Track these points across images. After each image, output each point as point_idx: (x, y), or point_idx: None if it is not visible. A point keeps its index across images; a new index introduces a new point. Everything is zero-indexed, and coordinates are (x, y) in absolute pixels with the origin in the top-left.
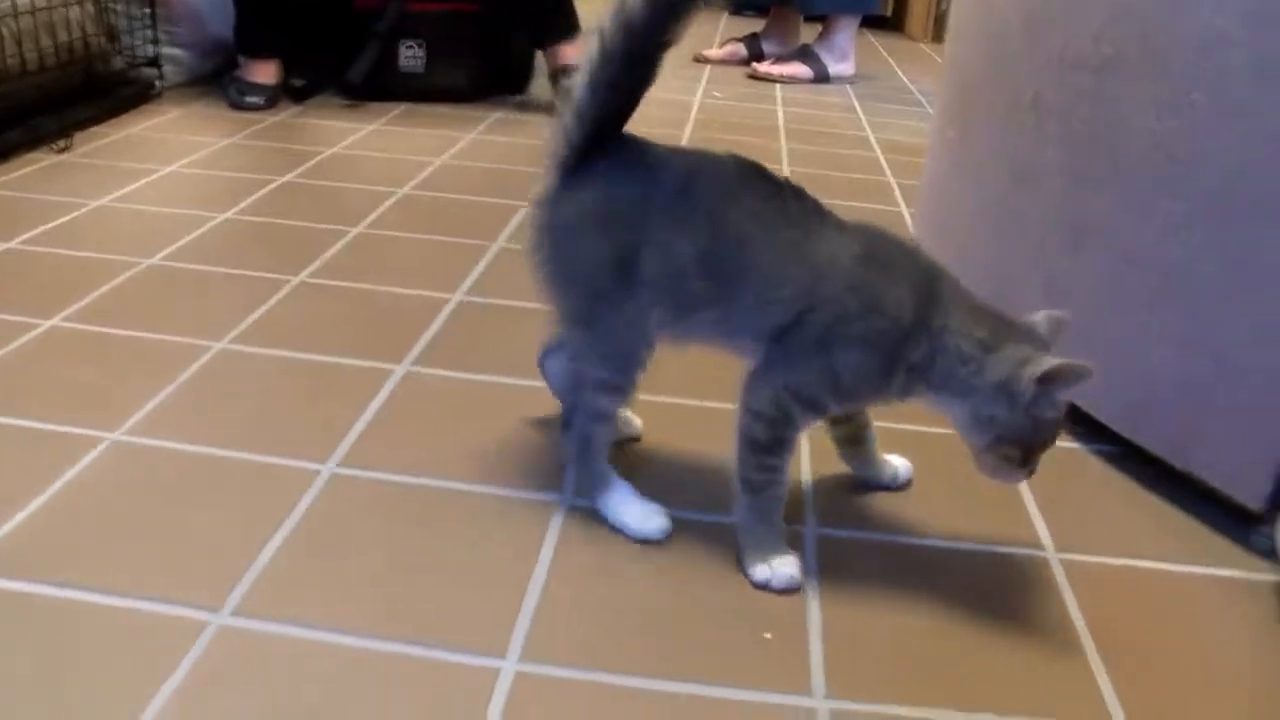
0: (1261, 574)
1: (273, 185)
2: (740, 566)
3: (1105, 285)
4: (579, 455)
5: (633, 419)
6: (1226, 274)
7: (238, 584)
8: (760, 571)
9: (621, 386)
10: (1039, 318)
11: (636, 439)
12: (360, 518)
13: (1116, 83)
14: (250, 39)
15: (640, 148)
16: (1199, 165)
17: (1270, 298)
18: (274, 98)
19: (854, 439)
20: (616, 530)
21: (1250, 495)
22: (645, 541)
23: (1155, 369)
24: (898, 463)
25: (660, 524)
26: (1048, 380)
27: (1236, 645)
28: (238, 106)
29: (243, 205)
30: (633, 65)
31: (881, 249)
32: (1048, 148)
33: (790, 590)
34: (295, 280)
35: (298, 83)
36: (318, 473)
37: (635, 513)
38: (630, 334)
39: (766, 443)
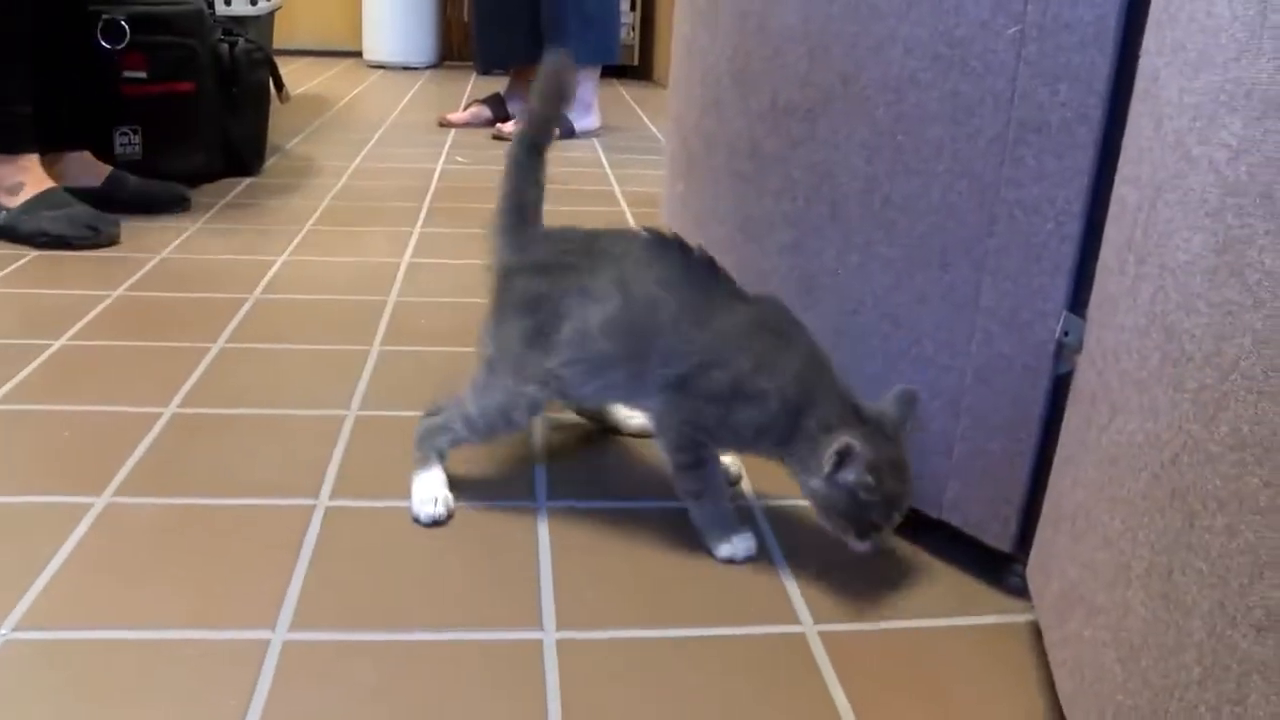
0: (1017, 615)
1: None
2: (708, 551)
3: (838, 337)
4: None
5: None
6: (949, 320)
7: None
8: (724, 549)
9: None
10: (890, 395)
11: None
12: (38, 692)
13: (827, 127)
14: None
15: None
16: (910, 208)
17: (991, 341)
18: None
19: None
20: None
21: (999, 538)
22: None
23: None
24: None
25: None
26: (842, 456)
27: (997, 691)
28: None
29: None
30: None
31: (775, 320)
32: (769, 198)
33: (751, 559)
34: None
35: None
36: None
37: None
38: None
39: (691, 462)
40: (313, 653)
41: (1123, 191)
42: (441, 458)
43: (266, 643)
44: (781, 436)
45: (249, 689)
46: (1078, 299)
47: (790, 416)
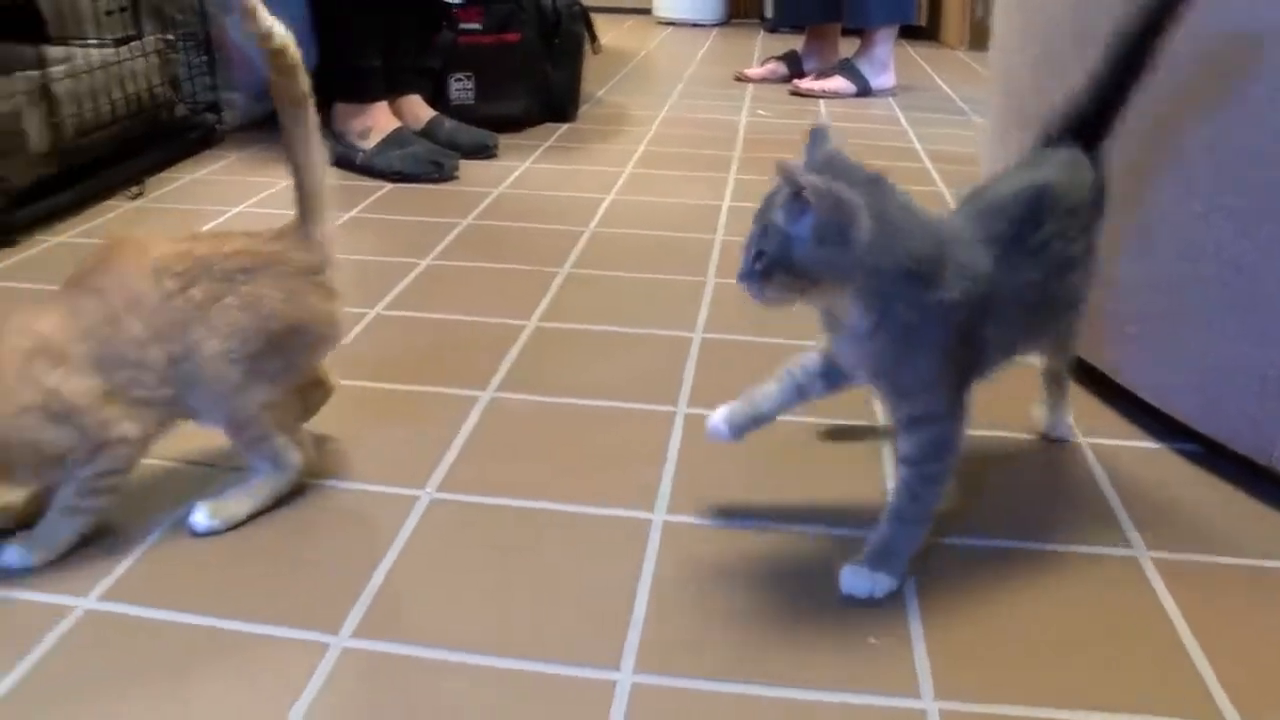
0: None
1: (338, 221)
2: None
3: (1174, 284)
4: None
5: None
6: None
7: (353, 607)
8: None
9: None
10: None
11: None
12: (464, 541)
13: (1171, 81)
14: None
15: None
16: (1262, 160)
17: None
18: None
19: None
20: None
21: None
22: None
23: (1231, 366)
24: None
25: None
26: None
27: None
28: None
29: None
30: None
31: None
32: None
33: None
34: (372, 313)
35: None
36: (417, 498)
37: None
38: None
39: (941, 473)
40: (690, 533)
41: None
42: None
43: (649, 522)
44: None
45: (638, 559)
46: None
47: None
